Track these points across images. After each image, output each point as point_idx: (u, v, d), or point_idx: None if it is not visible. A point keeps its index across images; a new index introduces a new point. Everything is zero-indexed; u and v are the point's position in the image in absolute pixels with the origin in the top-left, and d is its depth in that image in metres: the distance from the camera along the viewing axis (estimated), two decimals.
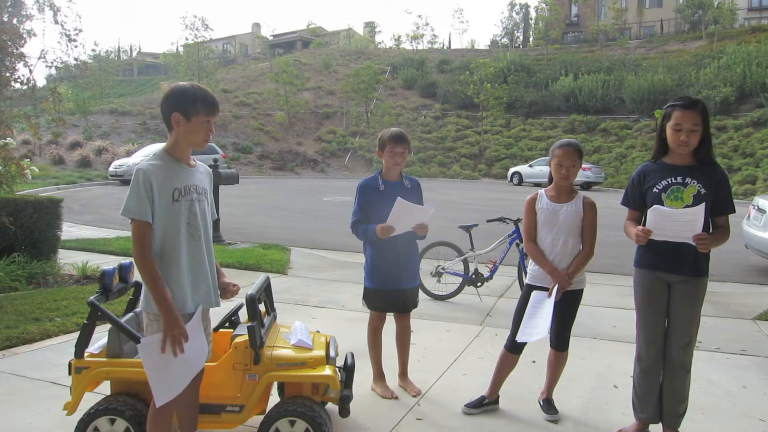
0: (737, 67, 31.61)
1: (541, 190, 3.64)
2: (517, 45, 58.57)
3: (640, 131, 32.10)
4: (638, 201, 3.29)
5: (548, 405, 3.67)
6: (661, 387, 3.29)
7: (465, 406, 3.70)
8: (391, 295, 3.90)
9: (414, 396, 3.88)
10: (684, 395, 3.25)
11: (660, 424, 3.34)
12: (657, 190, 3.16)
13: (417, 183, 4.00)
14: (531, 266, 3.69)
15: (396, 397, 3.85)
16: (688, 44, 41.61)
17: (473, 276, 6.62)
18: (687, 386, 3.25)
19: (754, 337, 5.35)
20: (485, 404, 3.70)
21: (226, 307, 3.18)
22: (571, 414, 3.68)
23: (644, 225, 3.17)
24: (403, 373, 4.06)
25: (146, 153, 20.55)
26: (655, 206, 3.07)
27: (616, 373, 4.37)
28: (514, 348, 3.66)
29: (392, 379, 4.03)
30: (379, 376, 4.00)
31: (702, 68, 33.65)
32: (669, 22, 49.01)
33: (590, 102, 35.63)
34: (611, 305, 6.35)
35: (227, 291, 2.83)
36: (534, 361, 4.48)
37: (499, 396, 3.75)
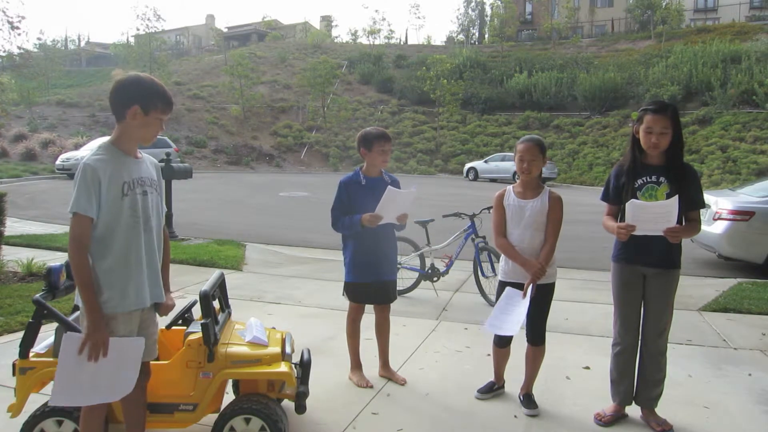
0: (684, 67, 32.53)
1: (509, 187, 3.73)
2: (472, 42, 59.15)
3: (591, 128, 32.81)
4: (616, 197, 3.46)
5: (528, 400, 3.72)
6: (639, 371, 3.50)
7: (477, 391, 3.88)
8: (372, 287, 4.02)
9: (402, 384, 4.00)
10: (660, 378, 3.48)
11: (636, 408, 3.58)
12: (633, 188, 3.35)
13: (396, 180, 4.11)
14: (502, 263, 3.74)
15: (371, 386, 3.94)
16: (637, 43, 42.70)
17: (429, 271, 6.67)
18: (663, 369, 3.47)
19: (699, 328, 5.54)
20: (495, 389, 3.91)
21: (179, 304, 3.12)
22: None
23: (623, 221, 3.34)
24: (384, 364, 4.16)
25: (92, 146, 19.80)
26: (632, 200, 3.25)
27: (567, 365, 4.48)
28: (500, 343, 3.80)
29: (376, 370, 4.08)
30: (356, 365, 4.10)
31: (651, 67, 34.49)
32: (619, 22, 50.21)
33: (544, 99, 36.20)
34: (564, 298, 6.48)
35: (162, 307, 2.73)
36: (489, 355, 4.54)
37: (504, 381, 3.95)
